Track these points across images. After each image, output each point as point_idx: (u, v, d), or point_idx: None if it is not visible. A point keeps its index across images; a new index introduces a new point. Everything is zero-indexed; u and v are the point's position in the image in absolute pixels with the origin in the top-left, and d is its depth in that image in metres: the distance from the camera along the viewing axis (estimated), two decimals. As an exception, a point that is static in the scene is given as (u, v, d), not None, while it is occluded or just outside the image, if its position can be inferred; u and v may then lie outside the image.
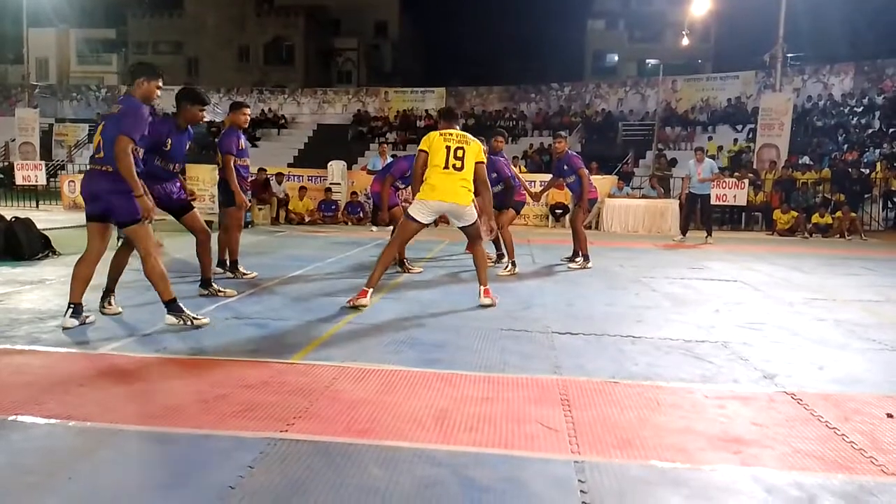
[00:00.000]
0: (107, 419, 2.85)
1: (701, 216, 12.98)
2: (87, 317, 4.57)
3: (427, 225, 5.67)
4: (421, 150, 5.59)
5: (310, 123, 33.77)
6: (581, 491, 2.32)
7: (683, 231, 12.62)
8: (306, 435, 2.72)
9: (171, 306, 4.50)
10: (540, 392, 3.36)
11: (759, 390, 3.50)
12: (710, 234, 12.32)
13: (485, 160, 5.69)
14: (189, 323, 4.47)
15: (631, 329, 4.81)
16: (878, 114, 22.90)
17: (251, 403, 3.06)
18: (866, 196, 16.30)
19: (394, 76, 46.10)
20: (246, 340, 4.25)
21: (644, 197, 16.19)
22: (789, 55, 19.54)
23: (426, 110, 32.45)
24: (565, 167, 8.32)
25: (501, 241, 8.20)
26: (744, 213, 16.14)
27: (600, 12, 45.78)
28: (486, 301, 5.52)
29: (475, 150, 5.56)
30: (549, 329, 4.74)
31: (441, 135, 5.58)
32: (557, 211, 15.48)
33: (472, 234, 5.71)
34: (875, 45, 28.24)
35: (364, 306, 5.28)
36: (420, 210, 5.50)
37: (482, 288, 5.59)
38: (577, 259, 8.29)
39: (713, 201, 13.25)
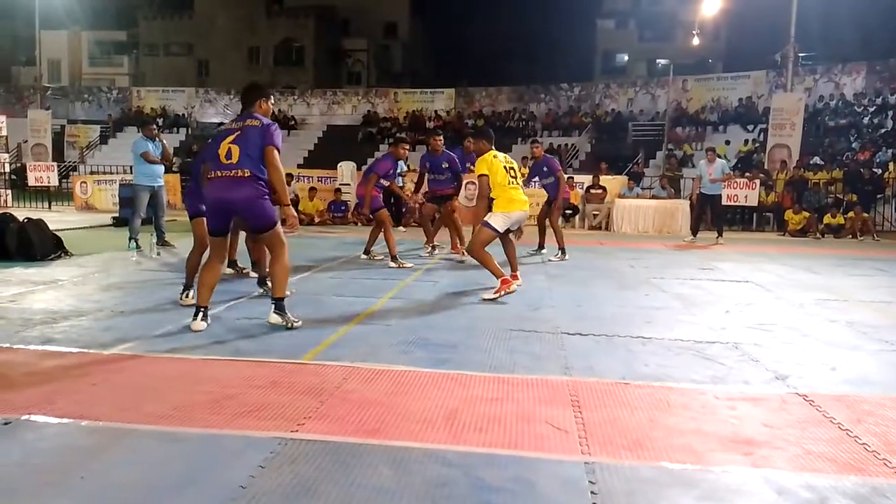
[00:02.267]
0: (119, 419, 2.87)
1: (712, 217, 12.92)
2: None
3: (502, 234, 6.18)
4: (483, 175, 6.16)
5: (319, 124, 33.86)
6: (591, 492, 2.32)
7: (694, 231, 12.56)
8: (317, 435, 2.73)
9: (279, 304, 4.60)
10: (550, 393, 3.36)
11: (770, 391, 3.48)
12: (720, 234, 12.25)
13: (487, 174, 6.20)
14: (290, 325, 4.54)
15: (641, 330, 4.80)
16: (890, 113, 22.70)
17: (261, 403, 3.08)
18: (879, 196, 16.14)
19: (403, 77, 46.13)
20: (256, 341, 4.27)
21: (654, 197, 16.12)
22: (801, 55, 19.40)
23: (436, 111, 32.47)
24: (545, 169, 9.18)
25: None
26: (755, 214, 16.03)
27: (610, 12, 45.60)
28: (513, 287, 6.01)
29: (512, 165, 6.36)
30: (559, 330, 4.73)
31: (495, 156, 6.27)
32: (567, 211, 15.44)
33: (517, 232, 6.44)
34: (888, 44, 27.96)
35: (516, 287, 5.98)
36: (503, 221, 6.12)
37: (512, 273, 6.23)
38: (555, 254, 9.03)
39: (724, 202, 13.17)
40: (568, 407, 3.15)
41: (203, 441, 2.67)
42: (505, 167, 6.22)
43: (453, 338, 4.45)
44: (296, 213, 4.66)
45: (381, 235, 8.13)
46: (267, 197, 4.46)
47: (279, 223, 4.57)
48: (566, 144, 27.26)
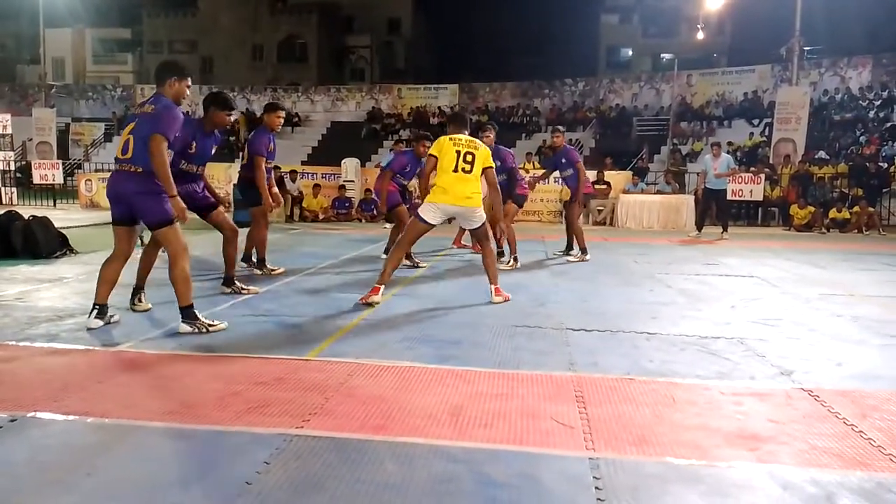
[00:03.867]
0: (125, 415, 2.88)
1: (717, 212, 12.89)
2: (111, 316, 4.54)
3: (435, 226, 5.70)
4: (431, 155, 5.71)
5: (323, 121, 33.86)
6: (596, 487, 2.32)
7: (699, 227, 12.54)
8: (322, 431, 2.73)
9: (187, 313, 4.33)
10: (554, 388, 3.36)
11: (775, 387, 3.47)
12: (725, 229, 12.23)
13: (493, 165, 5.77)
14: (204, 330, 4.30)
15: (646, 325, 4.79)
16: (896, 107, 22.64)
17: (267, 400, 3.08)
18: (884, 191, 16.07)
19: (407, 73, 46.10)
20: (262, 337, 4.28)
21: (659, 192, 16.09)
22: (806, 48, 19.31)
23: (439, 107, 32.43)
24: (563, 160, 8.49)
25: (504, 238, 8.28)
26: (760, 209, 16.00)
27: (614, 7, 45.47)
28: (498, 299, 5.56)
29: (484, 155, 5.67)
30: (564, 325, 4.73)
31: (451, 139, 5.66)
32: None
33: (479, 235, 5.78)
34: (894, 37, 27.85)
35: (376, 303, 5.31)
36: (430, 211, 5.57)
37: (493, 287, 5.63)
38: (573, 252, 8.54)
39: (729, 196, 13.14)
40: (573, 403, 3.15)
41: (209, 437, 2.68)
42: (458, 151, 5.56)
43: (458, 334, 4.46)
44: (182, 206, 4.33)
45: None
46: (158, 192, 4.22)
47: (176, 221, 4.35)
48: (570, 140, 27.16)
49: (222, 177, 17.13)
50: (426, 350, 4.04)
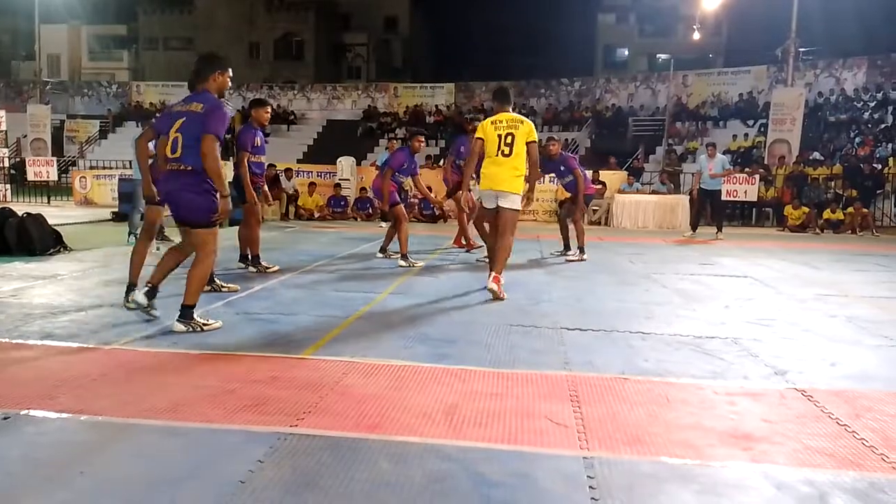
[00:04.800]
0: (119, 413, 2.87)
1: (711, 212, 12.92)
2: (151, 308, 4.55)
3: (497, 210, 5.88)
4: (477, 138, 5.93)
5: (319, 119, 33.82)
6: (590, 487, 2.32)
7: (694, 227, 12.56)
8: (316, 430, 2.73)
9: (186, 312, 4.29)
10: (549, 388, 3.36)
11: (769, 387, 3.48)
12: (720, 229, 12.26)
13: (536, 139, 5.88)
14: (199, 329, 4.27)
15: (641, 325, 4.80)
16: (891, 108, 22.66)
17: (261, 398, 3.08)
18: (878, 192, 16.13)
19: (404, 71, 46.06)
20: (256, 336, 4.27)
21: (654, 192, 16.12)
22: (801, 49, 19.36)
23: (436, 105, 32.42)
24: (562, 168, 8.67)
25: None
26: (755, 209, 16.05)
27: (610, 6, 45.49)
28: (493, 286, 5.60)
29: (524, 131, 5.80)
30: (559, 325, 4.74)
31: (492, 123, 5.89)
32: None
33: (503, 218, 5.85)
34: (889, 38, 27.91)
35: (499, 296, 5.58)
36: (484, 199, 5.98)
37: (493, 274, 5.68)
38: (570, 252, 8.68)
39: (724, 197, 13.17)
40: (567, 402, 3.15)
41: (203, 435, 2.68)
42: (499, 135, 5.78)
43: (453, 332, 4.46)
44: (230, 208, 4.32)
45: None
46: (207, 190, 4.22)
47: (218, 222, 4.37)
48: (567, 139, 27.22)
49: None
50: (421, 348, 4.04)
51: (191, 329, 4.27)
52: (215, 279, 5.84)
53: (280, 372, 3.50)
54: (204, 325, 4.34)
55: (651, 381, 3.51)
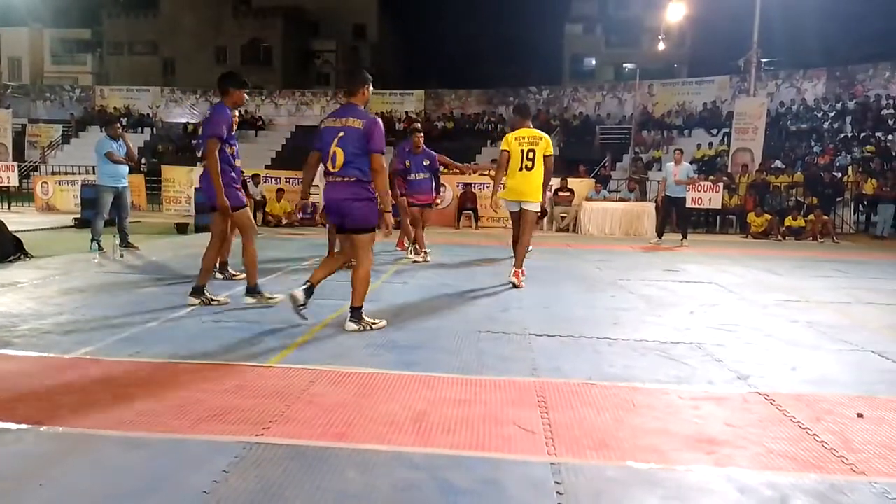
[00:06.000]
0: (80, 424, 2.81)
1: (677, 219, 13.10)
2: (304, 308, 4.73)
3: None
4: (503, 150, 6.85)
5: (287, 125, 33.62)
6: (557, 493, 2.33)
7: (659, 234, 12.72)
8: (282, 439, 2.70)
9: (356, 313, 4.65)
10: (517, 394, 3.38)
11: (732, 391, 3.54)
12: (685, 236, 12.43)
13: (552, 153, 6.80)
14: (369, 328, 4.64)
15: (607, 331, 4.84)
16: (849, 119, 23.29)
17: (226, 407, 3.04)
18: (838, 199, 16.54)
19: (373, 78, 45.96)
20: (222, 344, 4.21)
21: (621, 200, 16.31)
22: (763, 60, 19.77)
23: (406, 112, 32.42)
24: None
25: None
26: (718, 217, 16.31)
27: (578, 17, 46.04)
28: (513, 280, 6.66)
29: (543, 147, 6.74)
30: (527, 331, 4.76)
31: (516, 138, 6.79)
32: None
33: (525, 219, 6.86)
34: (847, 50, 28.78)
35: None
36: (508, 206, 6.97)
37: (515, 270, 6.76)
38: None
39: (689, 204, 13.37)
40: (535, 408, 3.16)
41: (166, 446, 2.63)
42: (522, 150, 6.69)
43: (422, 339, 4.45)
44: (392, 222, 4.65)
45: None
46: (369, 198, 4.56)
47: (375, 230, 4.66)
48: (535, 147, 27.44)
49: (184, 180, 16.88)
50: (389, 356, 4.03)
51: (362, 328, 4.61)
52: (228, 268, 6.64)
53: (246, 380, 3.45)
54: (373, 324, 4.67)
55: (617, 387, 3.54)
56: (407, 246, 9.06)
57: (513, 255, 7.13)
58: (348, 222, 4.60)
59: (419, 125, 9.78)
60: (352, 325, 4.61)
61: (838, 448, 2.79)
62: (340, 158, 4.48)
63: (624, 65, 42.01)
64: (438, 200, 8.93)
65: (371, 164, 4.50)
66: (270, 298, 5.49)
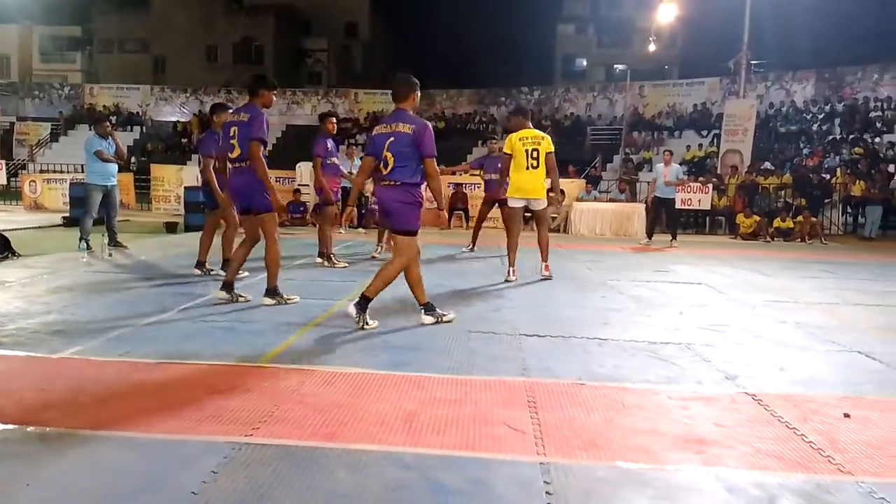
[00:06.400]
0: (68, 424, 2.79)
1: (666, 220, 13.16)
2: (443, 315, 4.97)
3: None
4: (506, 153, 7.14)
5: (279, 124, 33.47)
6: (546, 492, 2.34)
7: (649, 234, 12.76)
8: (272, 439, 2.70)
9: (428, 307, 4.92)
10: (507, 394, 3.38)
11: (721, 391, 3.56)
12: (674, 237, 12.48)
13: (553, 150, 7.10)
14: (440, 319, 4.90)
15: (597, 331, 4.86)
16: (838, 121, 23.45)
17: (216, 407, 3.03)
18: (827, 201, 16.64)
19: (364, 77, 45.88)
20: (212, 343, 4.20)
21: (612, 200, 16.36)
22: (753, 62, 19.88)
23: (397, 112, 32.37)
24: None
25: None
26: (708, 218, 16.38)
27: (570, 17, 46.09)
28: (546, 273, 7.30)
29: (546, 145, 7.06)
30: (518, 331, 4.77)
31: (520, 139, 7.05)
32: (527, 214, 15.54)
33: (539, 218, 7.51)
34: (837, 52, 28.95)
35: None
36: (515, 202, 7.26)
37: (544, 264, 7.36)
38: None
39: (678, 205, 13.43)
40: (525, 408, 3.17)
41: (155, 447, 2.62)
42: (526, 150, 6.97)
43: (412, 339, 4.45)
44: (446, 219, 5.07)
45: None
46: (414, 202, 4.70)
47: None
48: (526, 147, 27.48)
49: (173, 179, 16.81)
50: (380, 356, 4.02)
51: (437, 320, 4.87)
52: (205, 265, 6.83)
53: (236, 380, 3.44)
54: (442, 315, 4.92)
55: (607, 387, 3.55)
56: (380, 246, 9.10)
57: (507, 253, 7.46)
58: (393, 223, 4.77)
59: None
60: (428, 318, 4.88)
61: (825, 448, 2.81)
62: (391, 163, 4.60)
63: (615, 66, 42.09)
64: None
65: (425, 169, 4.67)
66: (289, 299, 5.53)
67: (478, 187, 16.16)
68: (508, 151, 7.09)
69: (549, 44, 46.63)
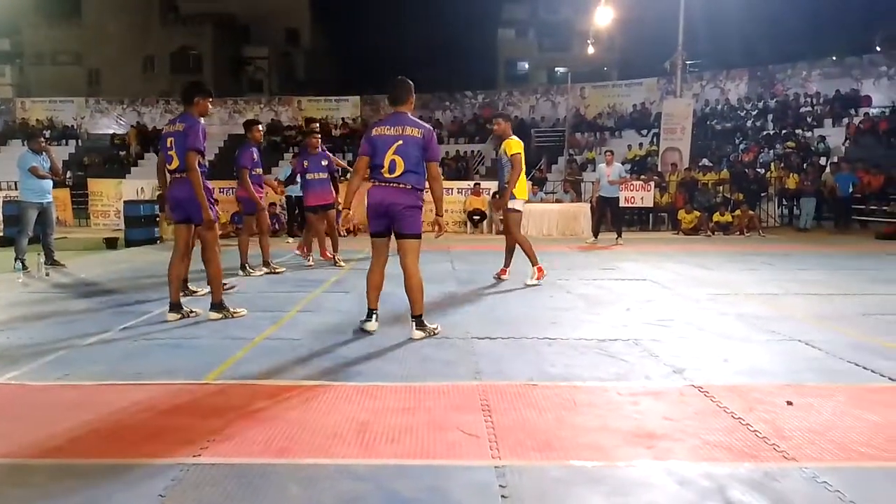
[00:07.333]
0: (5, 453, 2.68)
1: (611, 218, 13.39)
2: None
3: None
4: (520, 153, 7.19)
5: (220, 134, 32.78)
6: (502, 496, 2.34)
7: (595, 233, 12.97)
8: (221, 458, 2.64)
9: (419, 321, 4.76)
10: (461, 399, 3.38)
11: (669, 385, 3.63)
12: (620, 235, 12.71)
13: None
14: (433, 333, 4.78)
15: (548, 331, 4.90)
16: (771, 116, 24.25)
17: (162, 428, 2.94)
18: (763, 195, 17.21)
19: (307, 85, 45.42)
20: (156, 362, 4.08)
21: (558, 201, 16.57)
22: (688, 62, 20.43)
23: (342, 118, 32.17)
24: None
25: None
26: (651, 214, 16.74)
27: (510, 21, 46.54)
28: (540, 276, 7.32)
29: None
30: (470, 334, 4.78)
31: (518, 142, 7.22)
32: (475, 217, 15.64)
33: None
34: (768, 51, 29.95)
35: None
36: (521, 206, 7.45)
37: (535, 268, 7.37)
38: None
39: (622, 204, 13.68)
40: (479, 412, 3.17)
41: (98, 472, 2.53)
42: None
43: (364, 348, 4.41)
44: (445, 224, 5.03)
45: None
46: (420, 206, 4.69)
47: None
48: (472, 151, 27.62)
49: (112, 193, 16.34)
50: (331, 367, 3.97)
51: (428, 335, 4.72)
52: (189, 285, 6.44)
53: (182, 399, 3.36)
54: (434, 329, 4.80)
55: (559, 386, 3.58)
56: (330, 255, 9.02)
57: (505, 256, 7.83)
58: (402, 228, 4.68)
59: (317, 126, 9.61)
60: (418, 333, 4.71)
61: (770, 436, 2.89)
62: (401, 166, 4.57)
63: (556, 68, 42.66)
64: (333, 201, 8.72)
65: (429, 172, 4.67)
66: (235, 312, 5.43)
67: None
68: (519, 151, 7.16)
69: (491, 48, 47.01)
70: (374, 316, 4.89)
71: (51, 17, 44.03)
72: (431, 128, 4.74)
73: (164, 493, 2.34)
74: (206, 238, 5.47)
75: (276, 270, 8.16)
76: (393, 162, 4.57)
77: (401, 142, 4.58)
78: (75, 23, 43.86)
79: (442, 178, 4.80)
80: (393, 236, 4.76)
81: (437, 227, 4.95)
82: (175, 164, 5.29)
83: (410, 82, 4.88)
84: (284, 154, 27.75)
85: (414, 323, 4.76)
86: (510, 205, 7.30)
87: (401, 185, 4.59)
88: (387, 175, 4.59)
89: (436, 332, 4.81)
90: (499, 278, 7.56)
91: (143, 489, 2.37)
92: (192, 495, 2.33)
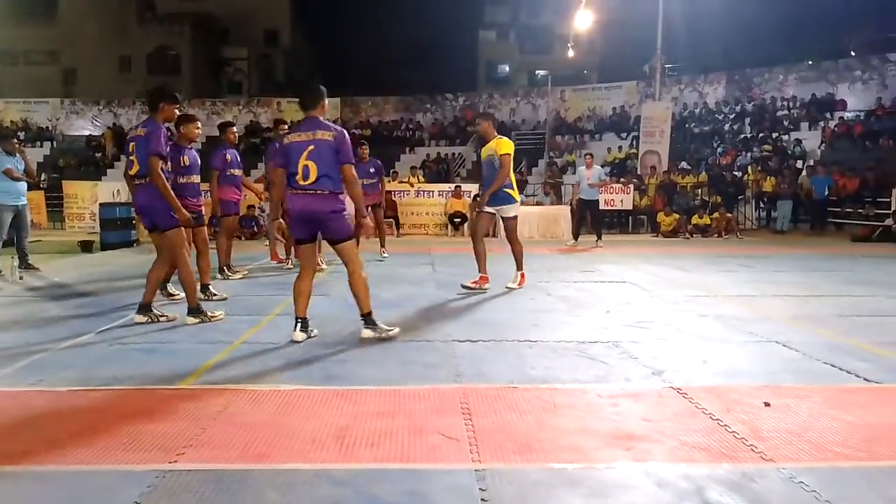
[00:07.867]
0: (-26, 462, 2.62)
1: (591, 221, 13.45)
2: (312, 331, 4.77)
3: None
4: (510, 154, 7.01)
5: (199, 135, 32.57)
6: (482, 500, 2.33)
7: (575, 236, 13.03)
8: (198, 464, 2.60)
9: (369, 320, 4.74)
10: (441, 402, 3.37)
11: (648, 387, 3.65)
12: (599, 237, 12.78)
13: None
14: (384, 334, 4.71)
15: (528, 333, 4.91)
16: (748, 120, 24.54)
17: (137, 434, 2.90)
18: (740, 197, 17.42)
19: (287, 86, 45.18)
20: (132, 366, 4.02)
21: (538, 204, 16.62)
22: (667, 66, 20.61)
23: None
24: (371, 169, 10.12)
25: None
26: (630, 217, 16.86)
27: (491, 23, 46.66)
28: (513, 285, 7.17)
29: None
30: (451, 337, 4.77)
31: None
32: (456, 220, 15.64)
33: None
34: (745, 55, 30.28)
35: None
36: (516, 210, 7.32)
37: (518, 272, 7.30)
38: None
39: (602, 206, 13.76)
40: (459, 415, 3.16)
41: (72, 479, 2.48)
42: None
43: (343, 352, 4.39)
44: (371, 224, 4.94)
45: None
46: (343, 210, 4.63)
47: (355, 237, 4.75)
48: (453, 154, 27.64)
49: (88, 195, 16.13)
50: (310, 371, 3.94)
51: (379, 334, 4.69)
52: (167, 286, 6.36)
53: (158, 405, 3.31)
54: (388, 329, 4.74)
55: (539, 388, 3.58)
56: (283, 257, 8.97)
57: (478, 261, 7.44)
58: (330, 234, 4.66)
59: (285, 127, 9.19)
60: (368, 332, 4.69)
61: (748, 437, 2.91)
62: (314, 172, 4.49)
63: (537, 71, 42.79)
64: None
65: (343, 175, 4.57)
66: (213, 316, 5.37)
67: (407, 194, 16.17)
68: (509, 152, 7.02)
69: (471, 50, 47.11)
70: (299, 325, 4.70)
71: (24, 16, 43.34)
72: (344, 130, 4.67)
73: (140, 499, 2.30)
74: (172, 242, 5.33)
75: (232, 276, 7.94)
76: (306, 168, 4.50)
77: (312, 146, 4.52)
78: (50, 22, 43.27)
79: (358, 180, 4.68)
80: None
81: (359, 229, 4.75)
82: (136, 168, 5.22)
83: (322, 87, 4.79)
84: (263, 156, 27.49)
85: (363, 322, 4.74)
86: (508, 213, 7.24)
87: (318, 192, 4.53)
88: (302, 182, 4.53)
89: (389, 333, 4.72)
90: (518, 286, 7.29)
91: (118, 496, 2.33)
92: (168, 502, 2.30)
